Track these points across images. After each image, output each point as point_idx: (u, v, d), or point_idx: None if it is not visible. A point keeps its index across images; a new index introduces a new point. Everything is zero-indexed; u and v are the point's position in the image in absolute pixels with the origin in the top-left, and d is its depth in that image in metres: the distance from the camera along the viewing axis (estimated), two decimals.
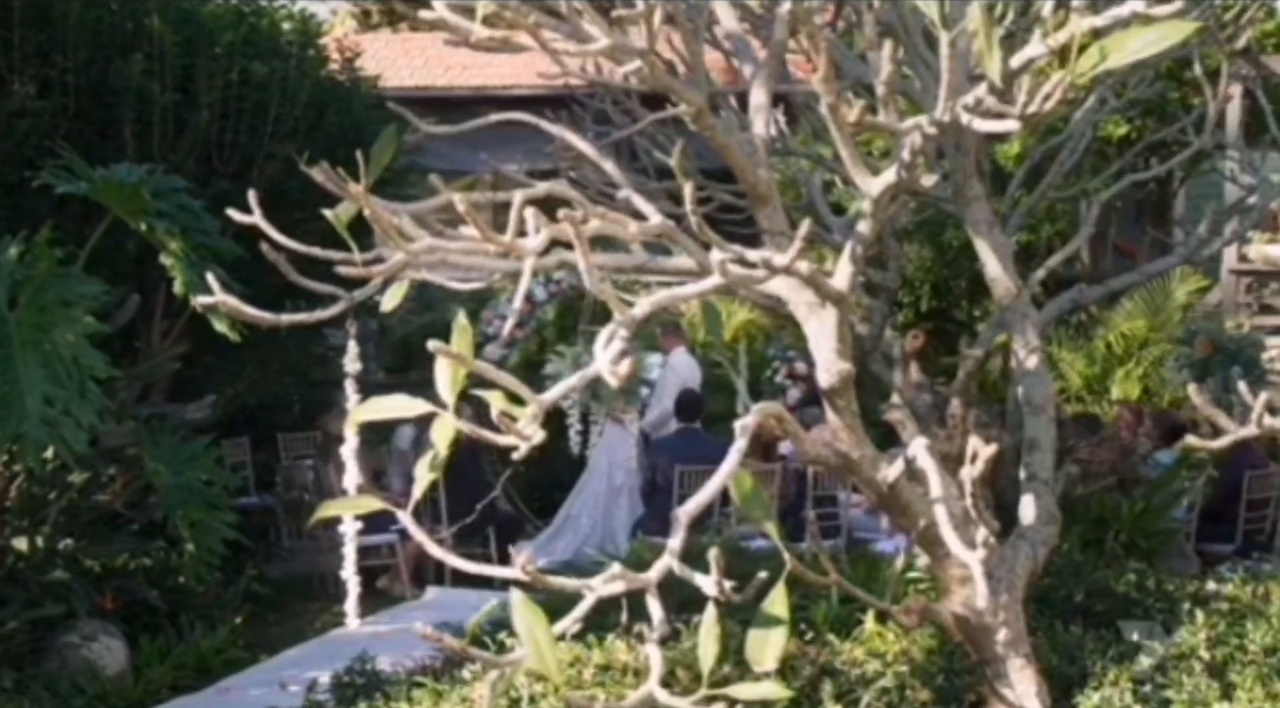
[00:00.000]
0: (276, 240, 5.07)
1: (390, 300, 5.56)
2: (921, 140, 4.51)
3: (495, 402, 3.84)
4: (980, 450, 3.79)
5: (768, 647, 4.49)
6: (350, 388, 7.06)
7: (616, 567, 4.15)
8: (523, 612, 3.85)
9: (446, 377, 3.97)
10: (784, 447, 12.20)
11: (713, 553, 3.95)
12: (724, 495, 11.71)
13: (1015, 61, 4.06)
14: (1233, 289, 15.09)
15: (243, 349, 10.53)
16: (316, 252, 5.28)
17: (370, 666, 7.83)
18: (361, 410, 4.20)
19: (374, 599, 11.97)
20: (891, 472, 5.32)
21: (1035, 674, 5.74)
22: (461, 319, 3.91)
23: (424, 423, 12.12)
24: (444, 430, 3.88)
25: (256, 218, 5.06)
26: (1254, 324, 14.53)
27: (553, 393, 4.06)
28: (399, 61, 22.57)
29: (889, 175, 4.74)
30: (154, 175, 8.24)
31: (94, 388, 7.06)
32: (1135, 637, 6.38)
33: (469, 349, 3.91)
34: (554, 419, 15.97)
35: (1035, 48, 4.06)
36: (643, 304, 4.36)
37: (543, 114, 18.39)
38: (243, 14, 10.53)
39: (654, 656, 4.02)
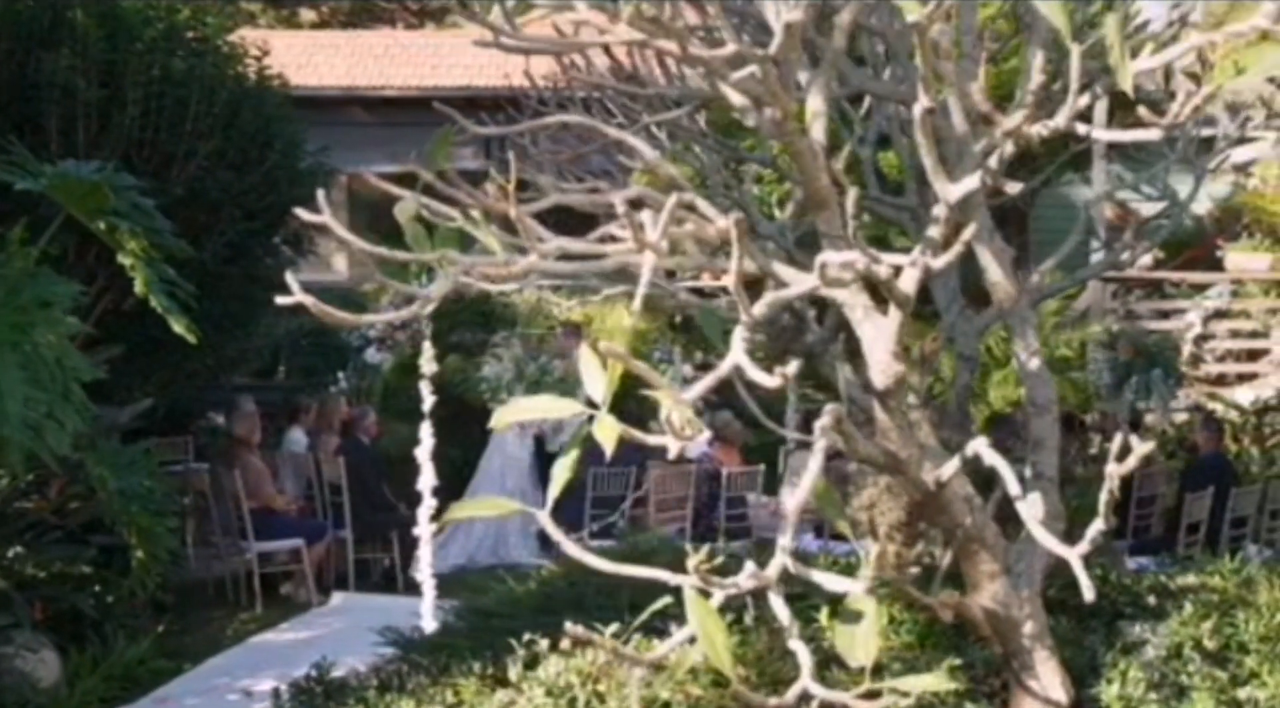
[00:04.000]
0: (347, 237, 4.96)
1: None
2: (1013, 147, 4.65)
3: (664, 401, 3.86)
4: (1135, 447, 3.92)
5: (857, 642, 4.56)
6: (425, 389, 6.97)
7: (750, 565, 4.18)
8: (696, 609, 3.86)
9: (598, 377, 3.98)
10: (691, 450, 12.34)
11: (874, 550, 4.01)
12: (640, 497, 11.77)
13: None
14: (1099, 295, 15.64)
15: (156, 352, 10.31)
16: (384, 252, 5.19)
17: (327, 673, 7.76)
18: (505, 412, 4.17)
19: (279, 606, 11.82)
20: (946, 470, 5.46)
21: (1059, 666, 5.95)
22: (626, 320, 3.92)
23: (316, 429, 11.97)
24: (606, 431, 3.88)
25: (326, 218, 4.96)
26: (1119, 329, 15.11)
27: (695, 391, 4.09)
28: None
29: (971, 181, 4.88)
30: (104, 173, 8.03)
31: (77, 390, 6.86)
32: (1137, 630, 6.60)
33: (628, 349, 3.92)
34: (464, 424, 15.93)
35: (1148, 60, 4.21)
36: (760, 305, 4.43)
37: (424, 117, 18.33)
38: (158, 8, 10.28)
39: (801, 652, 4.06)
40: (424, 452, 6.91)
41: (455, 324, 16.42)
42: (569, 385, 10.88)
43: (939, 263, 4.24)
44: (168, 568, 11.68)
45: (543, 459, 13.75)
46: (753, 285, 12.88)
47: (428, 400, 7.01)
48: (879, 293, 6.80)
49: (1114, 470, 4.02)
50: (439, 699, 6.89)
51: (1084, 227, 7.23)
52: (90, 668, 8.85)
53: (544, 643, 7.07)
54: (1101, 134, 4.22)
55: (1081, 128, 4.24)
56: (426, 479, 6.85)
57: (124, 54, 9.73)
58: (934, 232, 5.14)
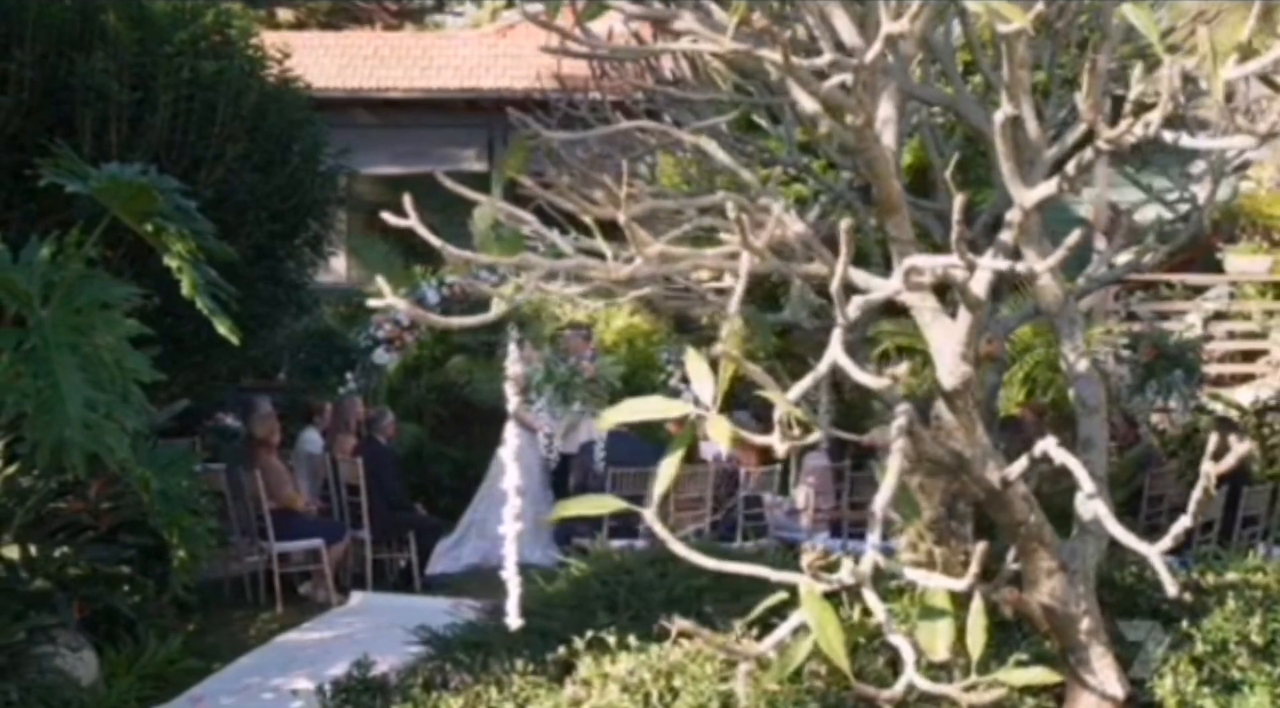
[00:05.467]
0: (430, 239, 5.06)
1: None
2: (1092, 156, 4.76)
3: (778, 402, 3.96)
4: (1235, 447, 4.03)
5: (938, 637, 4.68)
6: (510, 390, 7.03)
7: (848, 563, 4.29)
8: (813, 606, 3.97)
9: (706, 378, 4.07)
10: (706, 450, 12.46)
11: (980, 547, 4.12)
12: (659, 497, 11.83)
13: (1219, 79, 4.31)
14: (1101, 296, 15.79)
15: (181, 354, 10.36)
16: (469, 255, 5.29)
17: (368, 671, 7.85)
18: (614, 412, 4.26)
19: (297, 605, 11.89)
20: (1014, 470, 5.58)
21: (1114, 661, 6.07)
22: (738, 323, 4.01)
23: (332, 429, 12.01)
24: (720, 432, 3.97)
25: (413, 222, 5.05)
26: (1121, 330, 15.29)
27: (798, 388, 4.19)
28: None
29: (1048, 187, 4.99)
30: (148, 175, 8.07)
31: (137, 391, 6.92)
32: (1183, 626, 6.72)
33: (739, 351, 4.02)
34: (468, 425, 16.00)
35: (1237, 69, 4.33)
36: (853, 305, 4.53)
37: (427, 117, 18.38)
38: (184, 10, 10.34)
39: (903, 646, 4.17)
40: (508, 452, 6.98)
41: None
42: (599, 386, 10.99)
43: (1041, 266, 4.34)
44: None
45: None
46: (759, 286, 13.07)
47: (511, 401, 7.07)
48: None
49: (1210, 469, 4.13)
50: (484, 699, 6.97)
51: (1124, 231, 7.34)
52: (126, 667, 8.92)
53: (581, 643, 7.20)
54: (1198, 143, 4.32)
55: (1169, 134, 4.34)
56: (511, 479, 6.92)
57: (154, 57, 9.79)
58: (1006, 236, 5.27)
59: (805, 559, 4.04)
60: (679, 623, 4.19)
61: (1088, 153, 4.81)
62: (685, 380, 15.16)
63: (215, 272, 8.09)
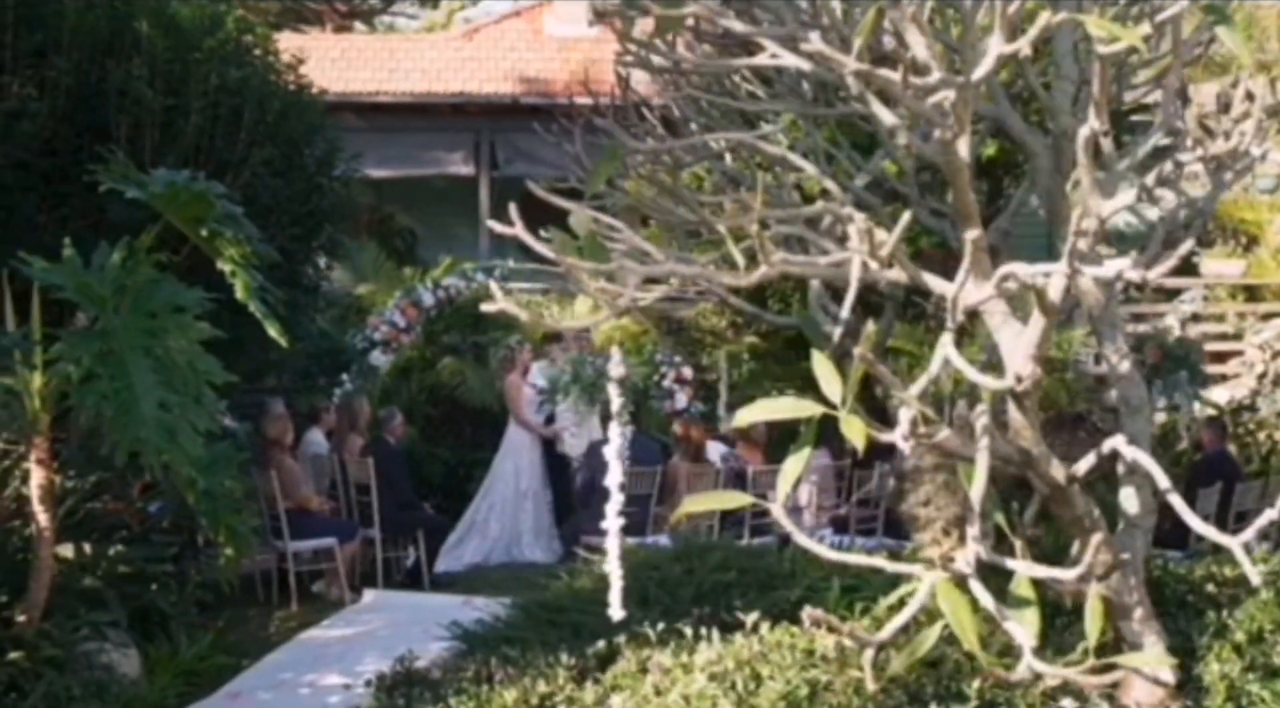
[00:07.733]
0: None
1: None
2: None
3: (908, 401, 4.21)
4: None
5: (1025, 624, 4.95)
6: (614, 392, 7.22)
7: (959, 555, 4.54)
8: (946, 595, 4.21)
9: (833, 379, 4.31)
10: (712, 451, 12.73)
11: (1095, 539, 4.37)
12: (659, 497, 12.11)
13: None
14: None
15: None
16: (571, 261, 5.50)
17: (412, 665, 8.08)
18: (750, 412, 4.49)
19: (312, 603, 12.04)
20: (1081, 466, 5.86)
21: (1165, 650, 6.36)
22: (870, 329, 4.25)
23: (338, 431, 12.16)
24: (854, 430, 4.21)
25: (518, 230, 5.27)
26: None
27: (918, 385, 4.44)
28: None
29: (1126, 197, 5.27)
30: (196, 181, 8.24)
31: (209, 394, 7.09)
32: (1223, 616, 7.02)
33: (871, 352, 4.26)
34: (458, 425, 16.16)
35: None
36: (959, 311, 4.80)
37: (412, 121, 18.54)
38: (215, 18, 10.50)
39: (1017, 633, 4.43)
40: (612, 451, 7.18)
41: (448, 327, 16.69)
42: (623, 388, 11.15)
43: (1154, 274, 4.62)
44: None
45: (553, 461, 14.06)
46: (757, 294, 13.29)
47: (615, 402, 7.27)
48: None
49: None
50: (534, 691, 7.18)
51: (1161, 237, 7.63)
52: (165, 664, 9.06)
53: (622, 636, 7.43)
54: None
55: (1256, 150, 4.62)
56: (614, 477, 7.13)
57: (185, 63, 9.93)
58: (1082, 244, 5.53)
59: (937, 552, 4.29)
60: (810, 613, 4.42)
61: (1168, 165, 5.06)
62: (679, 382, 15.43)
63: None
